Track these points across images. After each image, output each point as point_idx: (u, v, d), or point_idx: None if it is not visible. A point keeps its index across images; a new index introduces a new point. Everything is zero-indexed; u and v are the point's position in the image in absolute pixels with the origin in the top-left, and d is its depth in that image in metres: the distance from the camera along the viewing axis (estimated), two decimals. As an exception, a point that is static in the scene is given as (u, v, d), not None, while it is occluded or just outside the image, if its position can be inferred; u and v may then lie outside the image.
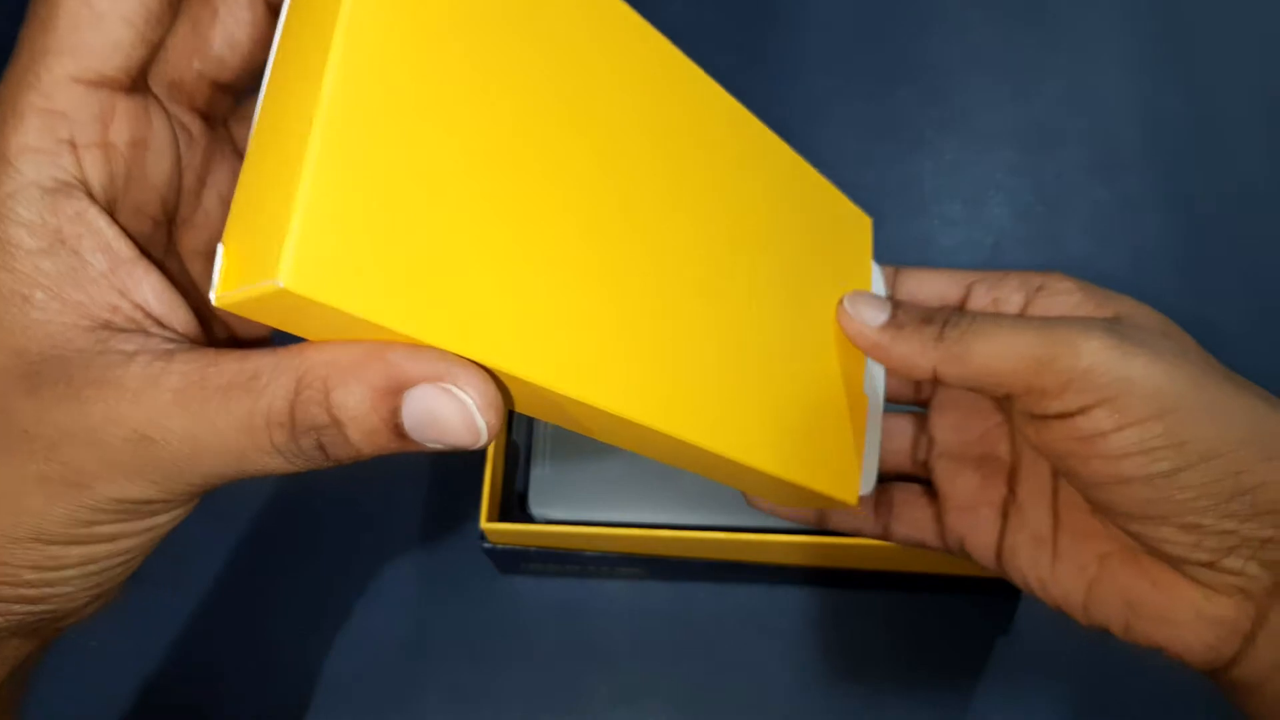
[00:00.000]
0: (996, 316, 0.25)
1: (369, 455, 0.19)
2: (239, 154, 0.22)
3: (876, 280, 0.29)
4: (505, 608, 0.41)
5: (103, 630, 0.40)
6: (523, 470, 0.39)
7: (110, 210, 0.19)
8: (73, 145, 0.18)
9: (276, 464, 0.19)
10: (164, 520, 0.20)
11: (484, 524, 0.35)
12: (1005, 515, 0.28)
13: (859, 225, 0.30)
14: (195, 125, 0.21)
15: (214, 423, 0.18)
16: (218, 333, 0.21)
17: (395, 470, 0.40)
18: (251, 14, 0.21)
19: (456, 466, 0.43)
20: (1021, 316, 0.26)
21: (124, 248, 0.19)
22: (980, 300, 0.28)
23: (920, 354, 0.25)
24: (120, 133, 0.19)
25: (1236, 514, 0.23)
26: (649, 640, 0.40)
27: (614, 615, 0.41)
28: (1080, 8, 0.53)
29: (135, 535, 0.20)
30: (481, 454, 0.36)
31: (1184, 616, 0.24)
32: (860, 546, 0.36)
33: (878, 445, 0.29)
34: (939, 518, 0.30)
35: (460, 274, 0.18)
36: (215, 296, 0.17)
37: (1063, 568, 0.27)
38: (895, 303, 0.27)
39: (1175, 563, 0.24)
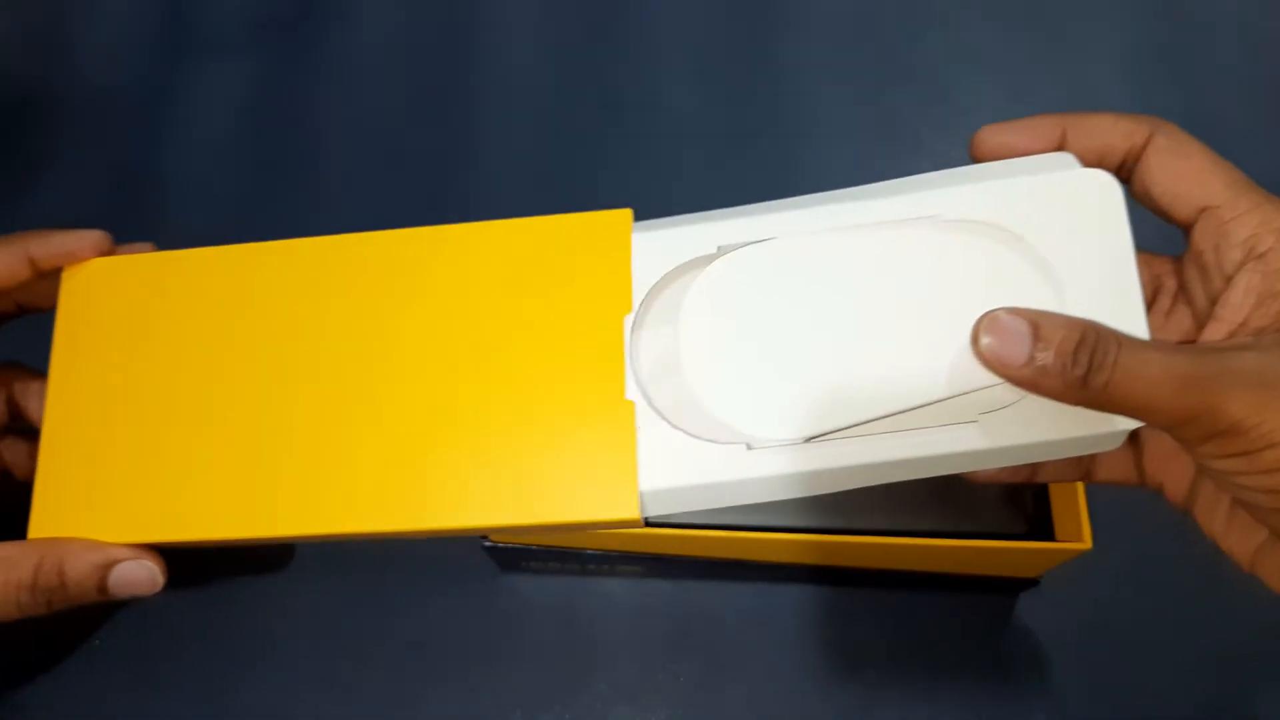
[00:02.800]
0: (1144, 355, 0.24)
1: (76, 605, 0.31)
2: None
3: (1124, 262, 0.27)
4: (506, 605, 0.41)
5: (104, 630, 0.40)
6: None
7: None
8: None
9: (13, 614, 0.31)
10: None
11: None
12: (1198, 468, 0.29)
13: (615, 225, 0.30)
14: None
15: None
16: None
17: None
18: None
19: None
20: (1174, 348, 0.25)
21: None
22: (1081, 144, 0.28)
23: (1064, 395, 0.25)
24: None
25: None
26: (648, 638, 0.40)
27: (613, 613, 0.41)
28: (1080, 9, 0.53)
29: None
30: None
31: None
32: (860, 546, 0.36)
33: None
34: (1139, 462, 0.30)
35: (147, 499, 0.31)
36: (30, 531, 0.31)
37: (1235, 530, 0.27)
38: (1035, 334, 0.25)
39: None
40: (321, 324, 0.31)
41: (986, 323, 0.25)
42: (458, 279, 0.31)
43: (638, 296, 0.29)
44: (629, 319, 0.29)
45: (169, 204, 0.50)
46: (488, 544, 0.38)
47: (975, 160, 0.30)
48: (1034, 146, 0.29)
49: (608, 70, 0.53)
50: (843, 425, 0.27)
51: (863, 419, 0.27)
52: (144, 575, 0.31)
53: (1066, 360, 0.24)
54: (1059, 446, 0.27)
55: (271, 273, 0.32)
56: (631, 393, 0.28)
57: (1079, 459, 0.30)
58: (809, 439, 0.27)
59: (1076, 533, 0.35)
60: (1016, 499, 0.38)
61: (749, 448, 0.27)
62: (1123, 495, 0.41)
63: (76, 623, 0.40)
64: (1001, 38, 0.53)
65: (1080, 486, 0.35)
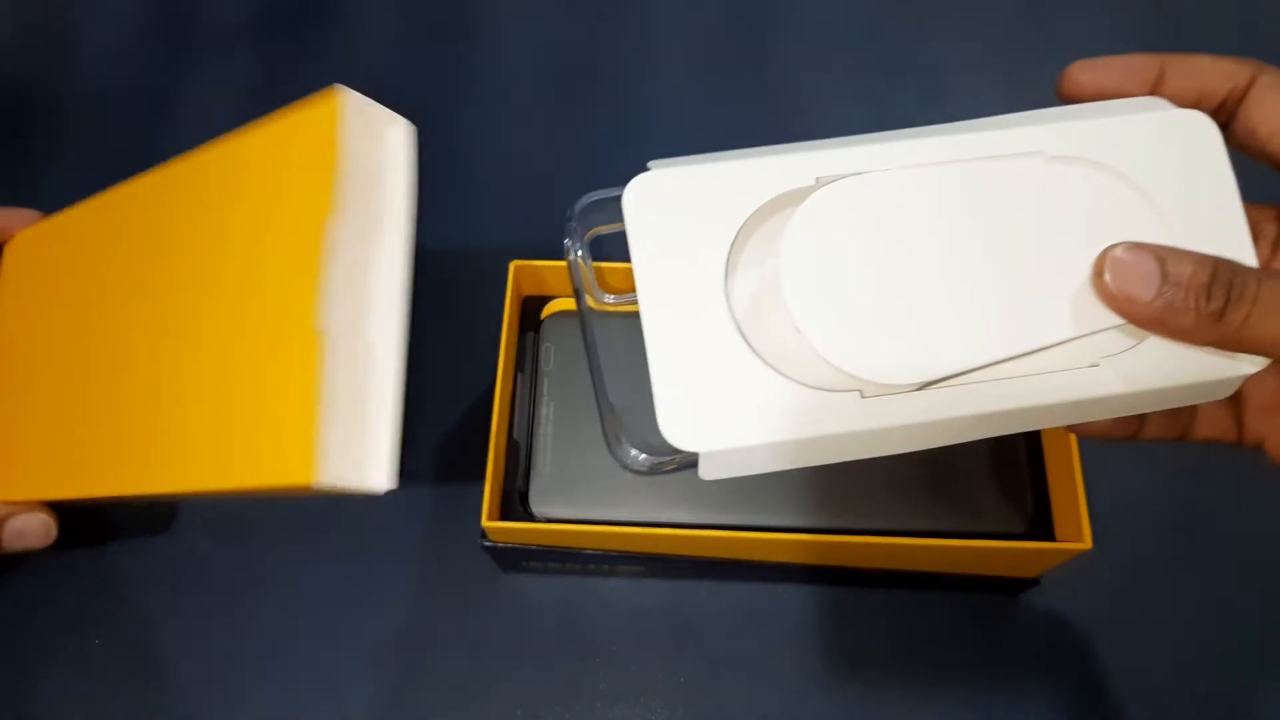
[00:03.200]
0: None
1: None
2: None
3: (1229, 202, 0.26)
4: (506, 605, 0.41)
5: (104, 630, 0.40)
6: (523, 469, 0.39)
7: None
8: None
9: None
10: None
11: (485, 522, 0.36)
12: None
13: (319, 120, 0.25)
14: None
15: None
16: None
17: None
18: None
19: (457, 466, 0.43)
20: None
21: None
22: (1181, 84, 0.27)
23: (1193, 333, 0.23)
24: None
25: None
26: (648, 638, 0.40)
27: (613, 613, 0.41)
28: (1080, 8, 0.53)
29: None
30: (483, 452, 0.36)
31: None
32: (860, 546, 0.36)
33: None
34: (1239, 417, 0.29)
35: (35, 458, 0.33)
36: None
37: None
38: (1163, 269, 0.23)
39: None
40: (126, 277, 0.32)
41: (1109, 260, 0.24)
42: (180, 218, 0.30)
43: (716, 231, 0.26)
44: (331, 223, 0.24)
45: (169, 204, 0.50)
46: (488, 544, 0.38)
47: (1062, 98, 0.28)
48: (1128, 86, 0.27)
49: (607, 70, 0.53)
50: (959, 371, 0.25)
51: (980, 364, 0.25)
52: (36, 526, 0.34)
53: (1200, 295, 0.23)
54: (1178, 393, 0.26)
55: (114, 224, 0.33)
56: (379, 321, 0.24)
57: (1178, 415, 0.29)
58: (922, 386, 0.25)
59: (1076, 533, 0.35)
60: (1016, 499, 0.38)
61: (863, 396, 0.25)
62: (1123, 495, 0.41)
63: (76, 622, 0.40)
64: (1001, 38, 0.53)
65: (1080, 486, 0.35)
